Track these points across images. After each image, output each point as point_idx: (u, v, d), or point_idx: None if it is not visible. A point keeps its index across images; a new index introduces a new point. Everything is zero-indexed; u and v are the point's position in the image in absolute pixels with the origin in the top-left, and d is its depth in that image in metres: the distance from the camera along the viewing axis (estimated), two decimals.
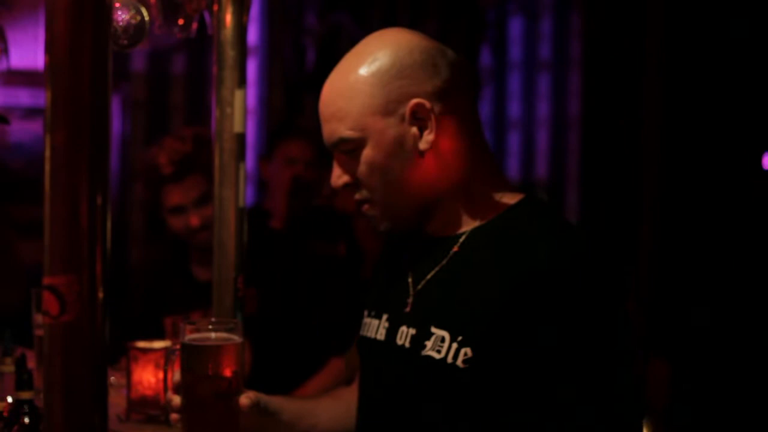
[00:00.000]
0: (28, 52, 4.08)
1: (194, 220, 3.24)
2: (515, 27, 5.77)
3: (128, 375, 2.46)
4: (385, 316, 1.87)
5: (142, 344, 2.47)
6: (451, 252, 1.78)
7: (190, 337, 1.78)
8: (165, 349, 2.44)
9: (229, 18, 2.27)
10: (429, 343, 1.72)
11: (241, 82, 2.30)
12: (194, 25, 2.34)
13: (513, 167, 5.80)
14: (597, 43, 5.59)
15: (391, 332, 1.83)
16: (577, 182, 5.72)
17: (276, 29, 5.22)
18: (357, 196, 1.82)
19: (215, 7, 2.28)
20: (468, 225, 1.79)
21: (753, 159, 5.38)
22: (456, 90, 1.76)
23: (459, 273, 1.75)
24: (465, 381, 1.66)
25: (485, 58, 5.77)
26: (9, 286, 3.57)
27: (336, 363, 3.38)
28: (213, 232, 2.34)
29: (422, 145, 1.73)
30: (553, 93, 5.76)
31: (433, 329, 1.72)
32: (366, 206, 1.81)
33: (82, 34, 1.19)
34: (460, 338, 1.67)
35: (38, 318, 2.60)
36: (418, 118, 1.73)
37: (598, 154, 5.62)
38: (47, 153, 1.19)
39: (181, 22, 2.32)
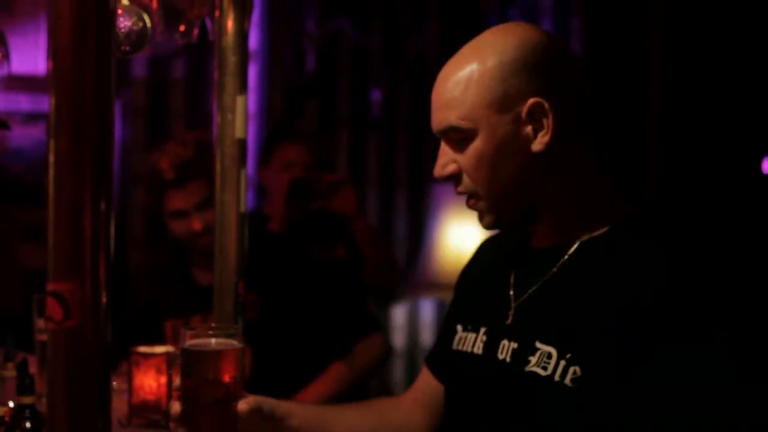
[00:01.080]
0: (29, 57, 4.08)
1: (196, 225, 3.25)
2: None
3: (129, 380, 2.46)
4: (483, 330, 1.82)
5: (143, 349, 2.47)
6: (559, 264, 1.72)
7: (189, 342, 1.78)
8: (166, 353, 2.45)
9: (230, 24, 2.28)
10: (533, 359, 1.66)
11: (243, 88, 2.31)
12: (196, 31, 2.35)
13: None
14: (597, 46, 5.60)
15: (490, 346, 1.78)
16: None
17: (276, 34, 5.23)
18: (460, 189, 1.76)
19: (217, 14, 2.29)
20: (578, 236, 1.73)
21: (753, 163, 5.39)
22: (575, 93, 1.72)
23: (568, 287, 1.70)
24: (572, 400, 1.60)
25: None
26: (10, 291, 3.58)
27: (337, 367, 3.38)
28: (214, 237, 2.34)
29: (535, 146, 1.69)
30: None
31: (539, 344, 1.67)
32: (472, 200, 1.76)
33: (86, 41, 1.20)
34: (568, 356, 1.62)
35: (40, 323, 2.61)
36: (535, 118, 1.68)
37: None
38: (51, 159, 1.20)
39: (182, 28, 2.33)
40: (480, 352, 1.80)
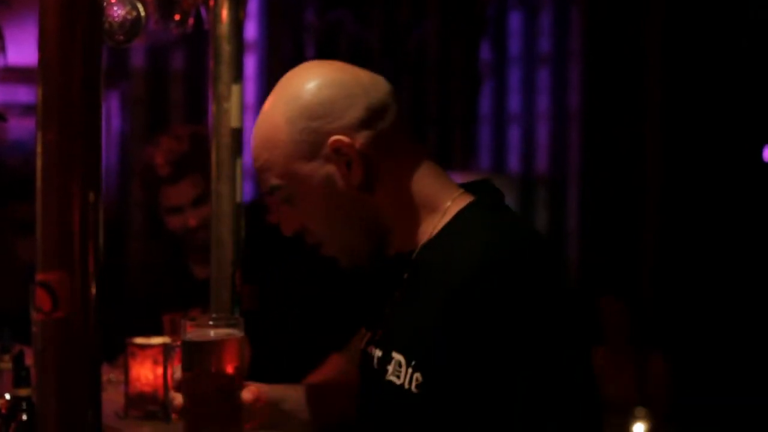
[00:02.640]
0: (27, 48, 4.07)
1: (192, 221, 3.23)
2: (515, 21, 5.77)
3: (126, 371, 2.46)
4: (368, 336, 1.85)
5: (140, 340, 2.47)
6: (408, 269, 1.73)
7: (190, 333, 1.78)
8: (163, 345, 2.44)
9: (225, 13, 2.27)
10: (390, 368, 1.68)
11: (238, 77, 2.30)
12: (190, 21, 2.34)
13: (513, 162, 5.80)
14: (597, 36, 5.59)
15: (366, 353, 1.81)
16: (578, 176, 5.72)
17: (275, 25, 5.22)
18: (311, 240, 1.78)
19: (211, 3, 2.28)
20: (420, 241, 1.73)
21: (753, 151, 5.38)
22: (379, 115, 1.71)
23: (410, 293, 1.71)
24: (419, 407, 1.62)
25: (485, 52, 5.77)
26: (7, 284, 3.58)
27: (336, 359, 3.38)
28: (210, 229, 2.34)
29: (353, 180, 1.69)
30: (553, 87, 5.76)
31: (394, 353, 1.69)
32: (324, 249, 1.77)
33: (74, 30, 1.20)
34: (413, 362, 1.64)
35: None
36: (342, 154, 1.68)
37: (599, 148, 5.61)
38: (39, 149, 1.19)
39: (177, 17, 2.32)
40: (367, 358, 1.82)
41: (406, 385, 1.64)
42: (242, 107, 2.32)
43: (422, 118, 5.52)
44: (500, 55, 5.76)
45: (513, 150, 5.80)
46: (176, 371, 1.81)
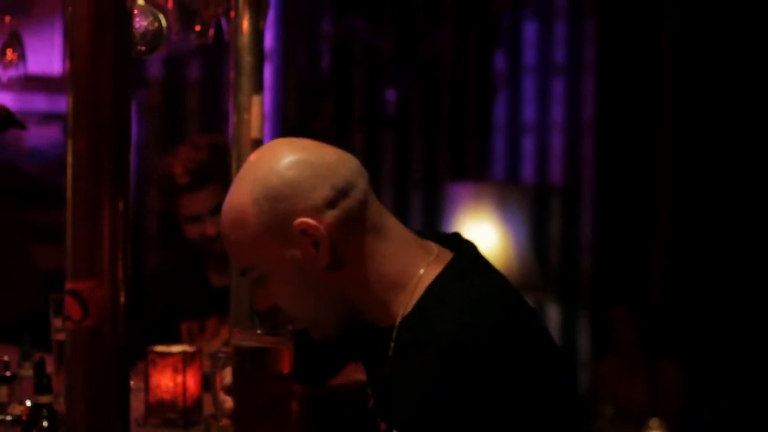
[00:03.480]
0: (45, 57, 4.09)
1: (210, 230, 3.24)
2: (529, 31, 5.78)
3: (146, 379, 2.47)
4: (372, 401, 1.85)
5: (160, 348, 2.48)
6: (390, 346, 1.72)
7: (242, 339, 1.77)
8: (183, 353, 2.46)
9: (245, 24, 2.28)
10: None
11: (258, 88, 2.32)
12: (211, 32, 2.36)
13: (527, 172, 5.80)
14: (611, 47, 5.59)
15: (376, 419, 1.81)
16: (592, 186, 5.72)
17: (290, 34, 5.24)
18: (286, 318, 1.80)
19: (232, 14, 2.30)
20: (398, 315, 1.72)
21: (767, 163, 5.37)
22: (345, 193, 1.70)
23: (396, 372, 1.70)
24: None
25: (499, 62, 5.78)
26: (26, 291, 3.59)
27: (353, 366, 3.39)
28: None
29: (321, 261, 1.68)
30: (567, 97, 5.76)
31: (387, 427, 1.70)
32: (296, 323, 1.78)
33: (104, 41, 1.21)
34: None
35: (56, 322, 2.62)
36: (309, 234, 1.68)
37: (613, 158, 5.61)
38: (69, 159, 1.20)
39: (198, 28, 2.34)
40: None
41: None
42: (262, 118, 2.33)
43: (436, 128, 5.53)
44: (515, 65, 5.77)
45: (527, 160, 5.80)
46: (225, 376, 1.81)
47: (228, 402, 1.78)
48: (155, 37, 2.11)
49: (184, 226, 3.30)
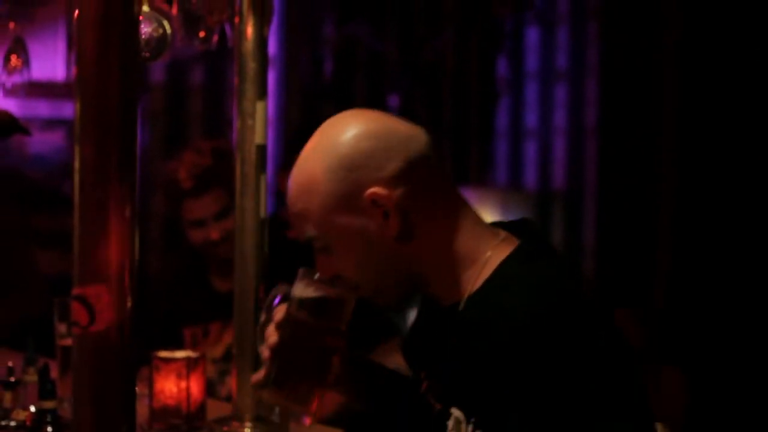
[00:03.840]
0: (48, 63, 4.10)
1: (214, 234, 3.25)
2: (532, 36, 5.78)
3: (150, 384, 2.47)
4: (425, 384, 1.82)
5: (164, 354, 2.49)
6: (454, 322, 1.72)
7: (306, 286, 1.75)
8: (187, 358, 2.46)
9: (250, 30, 2.29)
10: (450, 424, 1.68)
11: (262, 93, 2.32)
12: (215, 38, 2.36)
13: (530, 177, 5.80)
14: (614, 51, 5.59)
15: (427, 402, 1.79)
16: (595, 191, 5.72)
17: (293, 40, 5.24)
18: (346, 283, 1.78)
19: (236, 20, 2.30)
20: (464, 293, 1.72)
21: None
22: (417, 167, 1.71)
23: (462, 349, 1.70)
24: None
25: (502, 68, 5.78)
26: (30, 296, 3.60)
27: None
28: (234, 243, 2.35)
29: (390, 231, 1.68)
30: (570, 102, 5.76)
31: (453, 409, 1.69)
32: (360, 290, 1.77)
33: (111, 47, 1.21)
34: (473, 420, 1.64)
35: (61, 327, 2.62)
36: (380, 205, 1.68)
37: (616, 163, 5.61)
38: (76, 165, 1.21)
39: (202, 34, 2.34)
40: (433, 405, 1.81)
41: None
42: (266, 123, 2.34)
43: (438, 132, 5.53)
44: (517, 71, 5.77)
45: (530, 165, 5.80)
46: (277, 313, 1.76)
47: (273, 337, 1.75)
48: (159, 43, 2.11)
49: (188, 230, 3.30)
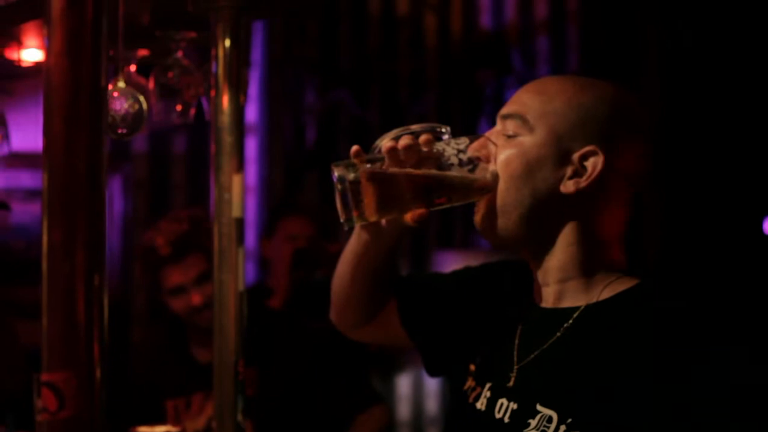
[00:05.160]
0: (29, 134, 4.11)
1: (196, 299, 3.23)
2: None
3: None
4: (488, 385, 1.79)
5: (143, 429, 2.47)
6: (563, 327, 1.70)
7: (456, 143, 1.74)
8: None
9: (225, 103, 2.29)
10: (533, 422, 1.64)
11: (239, 167, 2.32)
12: (192, 111, 2.37)
13: None
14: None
15: (491, 403, 1.75)
16: None
17: (276, 107, 5.27)
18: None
19: (212, 93, 2.31)
20: (581, 300, 1.71)
21: (754, 223, 5.39)
22: (643, 165, 1.71)
23: (571, 351, 1.67)
24: None
25: (483, 130, 5.80)
26: (10, 371, 3.57)
27: None
28: (213, 315, 2.34)
29: (563, 187, 1.67)
30: None
31: (539, 407, 1.65)
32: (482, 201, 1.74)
33: (78, 131, 1.22)
34: (569, 420, 1.60)
35: (39, 403, 2.60)
36: (583, 165, 1.67)
37: None
38: (44, 250, 1.21)
39: (179, 108, 2.35)
40: (483, 408, 1.77)
41: None
42: (243, 196, 2.33)
43: None
44: None
45: None
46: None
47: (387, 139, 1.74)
48: (135, 119, 2.12)
49: (169, 299, 3.29)
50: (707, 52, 5.43)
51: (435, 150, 1.73)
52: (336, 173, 1.71)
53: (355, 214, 1.71)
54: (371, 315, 2.06)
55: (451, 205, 1.73)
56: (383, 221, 1.84)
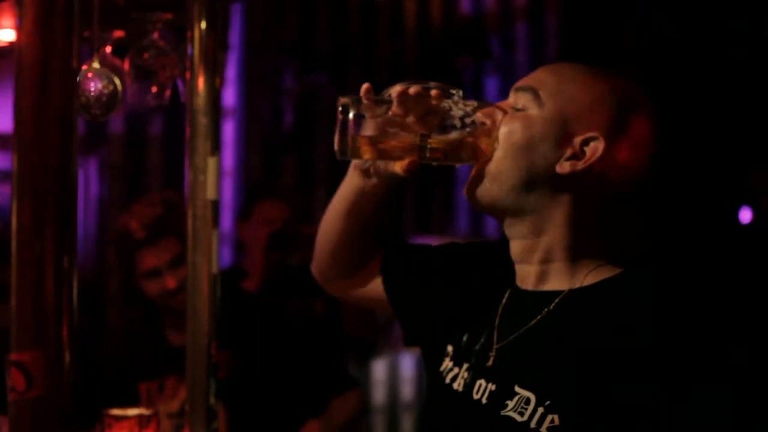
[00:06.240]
0: (5, 116, 4.08)
1: (170, 282, 3.22)
2: (491, 86, 5.82)
3: None
4: (465, 366, 1.79)
5: (116, 411, 2.46)
6: (544, 311, 1.70)
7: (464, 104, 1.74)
8: (139, 416, 2.44)
9: (201, 85, 2.29)
10: (511, 403, 1.64)
11: (215, 149, 2.31)
12: (167, 93, 2.36)
13: (491, 226, 5.82)
14: None
15: (469, 385, 1.75)
16: None
17: (254, 90, 5.25)
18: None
19: (188, 75, 2.30)
20: (564, 285, 1.71)
21: (730, 212, 5.41)
22: (635, 158, 1.71)
23: (552, 334, 1.67)
24: None
25: None
26: None
27: (312, 425, 3.37)
28: (186, 298, 2.34)
29: (559, 166, 1.67)
30: None
31: (518, 389, 1.65)
32: (479, 164, 1.74)
33: (48, 111, 1.21)
34: (547, 403, 1.60)
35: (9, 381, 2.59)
36: (583, 149, 1.68)
37: None
38: (13, 230, 1.20)
39: (154, 89, 2.35)
40: (459, 389, 1.77)
41: (533, 425, 1.60)
42: (219, 179, 2.33)
43: (400, 182, 5.54)
44: None
45: None
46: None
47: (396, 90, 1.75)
48: (110, 100, 2.11)
49: (143, 282, 3.28)
50: (686, 40, 5.45)
51: (443, 106, 1.74)
52: (341, 102, 1.72)
53: (350, 145, 1.72)
54: (354, 267, 2.05)
55: (444, 162, 1.75)
56: (375, 165, 1.85)
